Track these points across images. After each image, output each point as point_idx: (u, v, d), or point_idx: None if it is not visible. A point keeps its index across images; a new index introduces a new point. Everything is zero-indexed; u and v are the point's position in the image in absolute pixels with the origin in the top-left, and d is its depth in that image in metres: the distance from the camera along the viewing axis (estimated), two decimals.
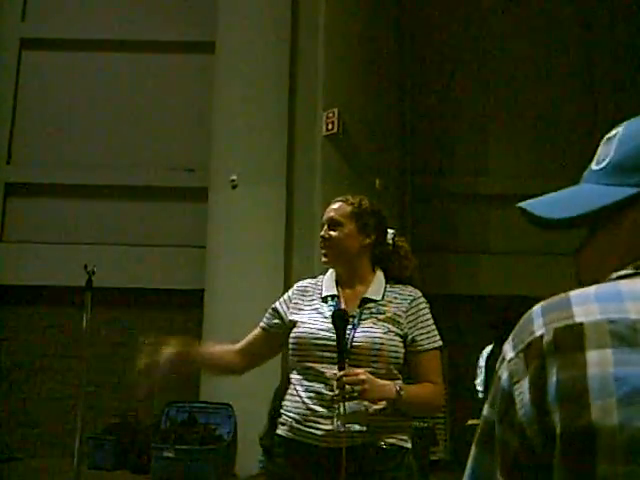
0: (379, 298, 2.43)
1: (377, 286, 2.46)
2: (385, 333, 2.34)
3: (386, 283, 2.49)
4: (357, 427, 2.28)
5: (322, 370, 2.33)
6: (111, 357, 9.00)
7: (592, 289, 0.80)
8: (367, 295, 2.43)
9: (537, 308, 0.82)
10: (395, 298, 2.43)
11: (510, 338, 0.83)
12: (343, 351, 2.28)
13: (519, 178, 9.21)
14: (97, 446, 8.12)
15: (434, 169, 9.76)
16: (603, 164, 0.91)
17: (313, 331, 2.37)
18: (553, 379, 0.75)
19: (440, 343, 2.43)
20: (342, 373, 2.23)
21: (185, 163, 9.64)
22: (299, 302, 2.52)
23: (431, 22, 10.00)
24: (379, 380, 2.28)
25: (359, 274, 2.49)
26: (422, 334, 2.39)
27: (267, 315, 2.58)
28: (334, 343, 2.32)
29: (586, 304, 0.78)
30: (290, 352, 2.45)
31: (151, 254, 9.29)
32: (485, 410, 0.84)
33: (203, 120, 9.17)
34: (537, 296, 0.89)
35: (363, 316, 2.39)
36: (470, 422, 5.91)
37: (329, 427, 2.27)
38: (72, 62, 10.00)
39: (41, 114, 9.83)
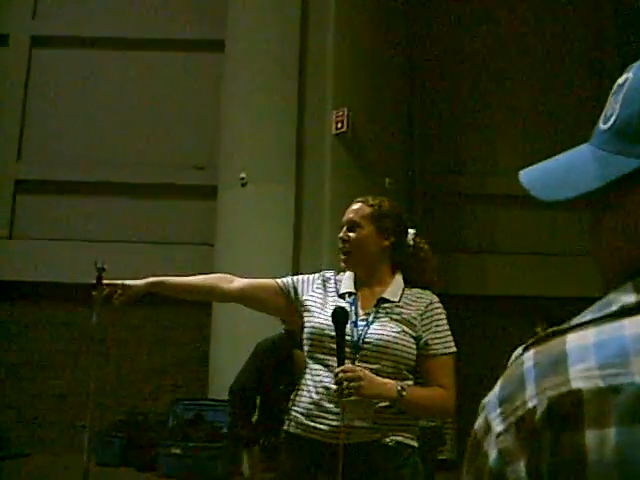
0: (396, 299, 2.42)
1: (395, 288, 2.45)
2: (398, 333, 2.34)
3: (405, 286, 2.47)
4: (361, 424, 2.28)
5: (330, 363, 2.33)
6: (118, 354, 9.04)
7: (591, 335, 0.65)
8: (384, 295, 2.43)
9: (529, 365, 0.67)
10: (413, 301, 2.42)
11: (495, 399, 0.68)
12: (343, 348, 2.28)
13: None
14: (104, 443, 8.14)
15: (442, 168, 9.75)
16: (609, 123, 0.73)
17: (329, 323, 2.35)
18: (546, 461, 0.62)
19: (454, 349, 2.41)
20: (340, 369, 2.23)
21: (195, 161, 9.66)
22: (320, 289, 2.52)
23: (440, 21, 9.99)
24: (379, 378, 2.27)
25: (378, 276, 2.48)
26: (436, 338, 2.38)
27: (287, 278, 2.61)
28: (346, 337, 2.33)
29: (584, 361, 0.63)
30: (304, 342, 2.46)
31: (160, 251, 9.32)
32: None
33: (212, 118, 9.19)
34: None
35: (378, 315, 2.39)
36: None
37: (335, 423, 2.27)
38: (82, 60, 10.04)
39: (51, 111, 9.86)
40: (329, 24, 8.27)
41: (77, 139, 9.77)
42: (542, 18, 10.00)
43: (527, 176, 0.78)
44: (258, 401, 4.18)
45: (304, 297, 2.52)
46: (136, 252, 9.25)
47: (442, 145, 9.76)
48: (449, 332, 2.42)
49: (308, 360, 2.44)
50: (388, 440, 2.31)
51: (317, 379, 2.36)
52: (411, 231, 2.56)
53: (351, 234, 2.48)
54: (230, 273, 2.80)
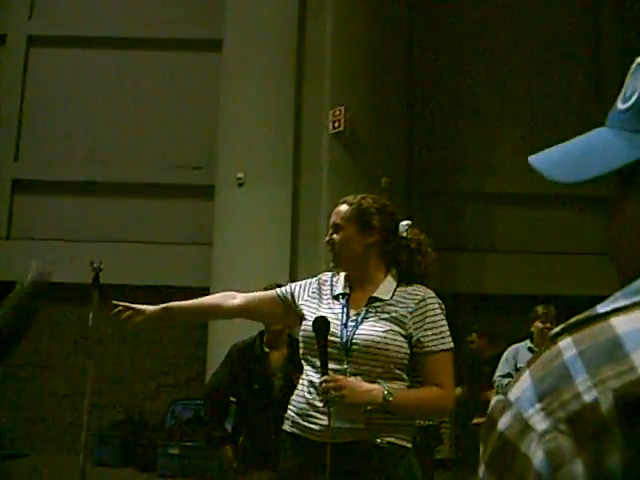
0: (387, 298, 2.39)
1: (387, 286, 2.42)
2: (385, 332, 2.31)
3: (400, 282, 2.44)
4: (352, 425, 2.27)
5: (319, 365, 2.33)
6: (117, 354, 9.03)
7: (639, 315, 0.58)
8: (375, 294, 2.41)
9: (571, 354, 0.59)
10: (404, 298, 2.38)
11: (532, 394, 0.60)
12: (325, 356, 2.28)
13: (527, 176, 9.15)
14: (103, 443, 8.14)
15: (441, 167, 9.74)
16: (630, 102, 0.68)
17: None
18: (616, 458, 0.54)
19: (449, 345, 2.35)
20: (323, 379, 2.24)
21: (192, 161, 9.65)
22: (315, 294, 2.53)
23: (440, 20, 9.98)
24: (365, 385, 2.26)
25: (369, 274, 2.46)
26: (428, 335, 2.32)
27: (286, 287, 2.63)
28: (333, 338, 2.33)
29: None
30: (300, 345, 2.48)
31: (157, 252, 9.31)
32: None
33: (210, 118, 9.17)
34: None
35: (367, 315, 2.38)
36: (475, 420, 5.90)
37: (326, 422, 2.28)
38: (79, 59, 10.02)
39: (48, 111, 9.85)
40: (326, 22, 8.26)
41: (74, 139, 9.76)
42: (541, 18, 9.99)
43: (539, 160, 0.72)
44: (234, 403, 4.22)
45: (299, 302, 2.53)
46: (133, 252, 9.24)
47: (441, 144, 9.75)
48: (444, 328, 2.36)
49: (302, 362, 2.46)
50: (379, 441, 2.29)
51: (308, 380, 2.39)
52: (404, 223, 2.52)
53: (335, 236, 2.48)
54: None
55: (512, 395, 0.62)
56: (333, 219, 2.50)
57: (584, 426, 0.55)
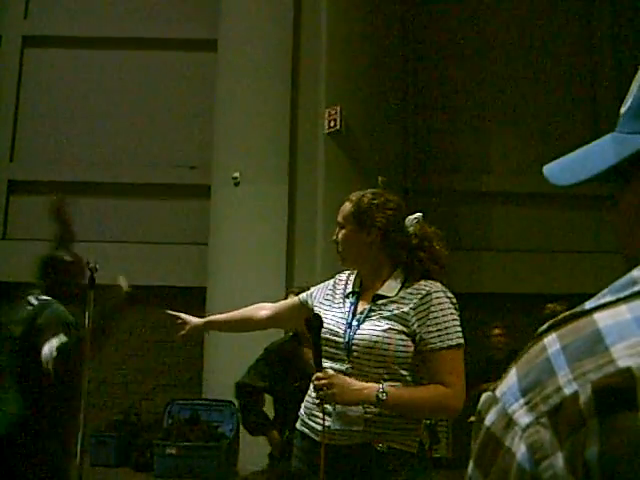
0: (392, 295, 2.33)
1: (393, 282, 2.36)
2: (385, 331, 2.26)
3: (408, 279, 2.36)
4: (352, 427, 2.25)
5: (324, 364, 2.32)
6: (113, 354, 9.01)
7: (626, 311, 0.59)
8: (379, 292, 2.36)
9: (555, 349, 0.60)
10: (409, 294, 2.30)
11: (516, 389, 0.61)
12: (319, 353, 2.27)
13: (522, 175, 9.19)
14: (99, 443, 8.12)
15: (437, 166, 9.75)
16: (626, 106, 0.71)
17: (326, 326, 2.35)
18: (594, 449, 0.54)
19: (457, 341, 2.25)
20: (315, 376, 2.23)
21: (187, 160, 9.63)
22: (329, 294, 2.52)
23: (434, 19, 9.98)
24: (356, 383, 2.22)
25: (378, 272, 2.40)
26: (432, 332, 2.23)
27: (306, 292, 2.66)
28: (337, 339, 2.32)
29: (626, 338, 0.57)
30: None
31: (153, 251, 9.29)
32: None
33: (205, 117, 9.16)
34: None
35: (370, 313, 2.33)
36: (472, 419, 5.91)
37: (327, 423, 2.26)
38: (74, 59, 10.00)
39: (43, 112, 9.83)
40: (322, 22, 8.25)
41: (70, 139, 9.74)
42: (538, 18, 9.99)
43: (548, 168, 0.77)
44: (272, 401, 4.21)
45: (315, 304, 2.53)
46: (129, 252, 9.22)
47: (437, 142, 9.75)
48: (450, 323, 2.26)
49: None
50: (380, 445, 2.24)
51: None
52: (411, 217, 2.45)
53: (339, 235, 2.47)
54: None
55: (499, 391, 0.63)
56: (338, 217, 2.49)
57: (564, 419, 0.56)
